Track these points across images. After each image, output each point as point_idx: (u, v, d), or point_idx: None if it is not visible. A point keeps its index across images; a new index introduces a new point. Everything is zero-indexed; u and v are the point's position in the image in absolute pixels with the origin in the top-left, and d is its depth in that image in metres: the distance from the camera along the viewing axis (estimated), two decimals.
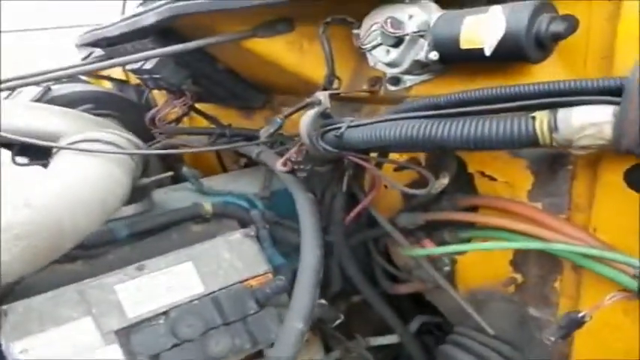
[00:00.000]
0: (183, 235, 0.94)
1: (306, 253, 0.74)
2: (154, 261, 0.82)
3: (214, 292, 0.81)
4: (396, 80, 0.78)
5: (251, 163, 1.27)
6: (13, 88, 1.29)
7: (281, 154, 0.97)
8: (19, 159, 1.30)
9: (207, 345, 0.76)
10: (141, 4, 1.59)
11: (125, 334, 0.75)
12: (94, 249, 0.85)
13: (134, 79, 1.73)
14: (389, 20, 0.68)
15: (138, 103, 1.56)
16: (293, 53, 0.88)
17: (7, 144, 1.22)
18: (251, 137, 1.14)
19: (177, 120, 1.19)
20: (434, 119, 0.60)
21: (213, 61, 1.02)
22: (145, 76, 1.05)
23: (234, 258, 0.86)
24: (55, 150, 0.88)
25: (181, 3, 0.82)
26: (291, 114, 0.87)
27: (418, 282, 0.86)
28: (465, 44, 0.60)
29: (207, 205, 0.96)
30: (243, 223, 0.98)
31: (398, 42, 0.68)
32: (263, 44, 0.87)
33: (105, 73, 1.77)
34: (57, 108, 1.18)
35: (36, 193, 0.68)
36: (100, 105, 1.45)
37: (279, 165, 0.84)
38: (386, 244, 0.94)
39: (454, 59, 0.64)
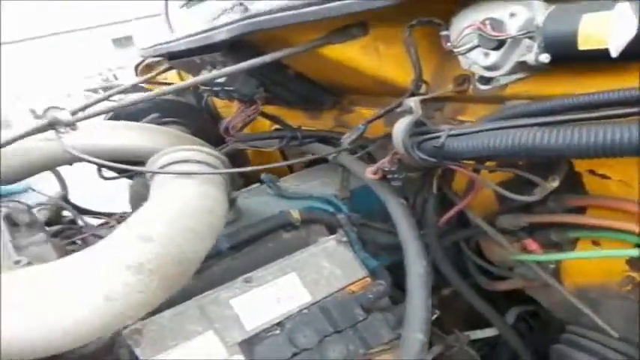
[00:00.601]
0: (276, 243, 0.98)
1: (413, 263, 0.75)
2: (260, 273, 0.86)
3: (320, 300, 0.85)
4: (487, 79, 0.75)
5: (317, 160, 1.29)
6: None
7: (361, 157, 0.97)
8: (106, 174, 1.37)
9: (325, 352, 0.80)
10: (185, 5, 1.58)
11: (247, 346, 0.80)
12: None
13: None
14: (488, 22, 0.64)
15: (199, 108, 1.59)
16: (369, 57, 0.86)
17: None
18: (322, 138, 1.14)
19: (244, 126, 1.20)
20: (550, 127, 0.58)
21: (284, 68, 1.01)
22: (217, 88, 1.06)
23: (333, 266, 0.88)
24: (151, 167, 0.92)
25: (256, 19, 0.81)
26: (373, 120, 0.86)
27: (519, 279, 0.86)
28: (583, 44, 0.56)
29: (295, 213, 0.98)
30: (331, 227, 1.01)
31: (499, 44, 0.65)
32: (337, 50, 0.85)
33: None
34: (138, 125, 1.23)
35: (153, 226, 0.71)
36: (165, 113, 1.49)
37: (369, 174, 0.84)
38: (477, 242, 0.94)
39: (569, 60, 0.60)
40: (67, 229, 1.17)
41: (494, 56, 0.66)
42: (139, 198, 1.45)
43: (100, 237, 1.03)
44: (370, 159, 0.98)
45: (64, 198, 1.25)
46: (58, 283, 0.58)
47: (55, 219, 1.25)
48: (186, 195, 0.78)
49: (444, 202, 0.91)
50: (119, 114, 1.37)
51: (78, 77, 18.26)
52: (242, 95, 1.03)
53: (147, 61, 1.78)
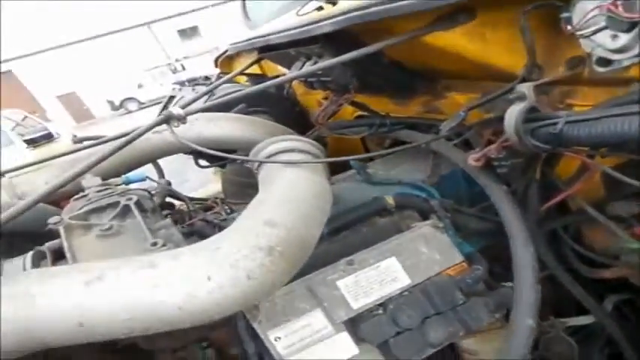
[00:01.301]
0: (371, 228, 1.01)
1: (520, 249, 0.75)
2: (360, 256, 0.90)
3: (420, 283, 0.87)
4: (607, 61, 0.70)
5: (395, 144, 1.29)
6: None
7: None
8: (202, 162, 1.48)
9: (426, 333, 0.83)
10: None
11: (352, 324, 0.85)
12: None
13: (271, 73, 1.81)
14: (620, 3, 0.60)
15: (282, 96, 1.64)
16: (474, 42, 0.84)
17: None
18: (411, 125, 1.14)
19: (334, 114, 1.23)
20: None
21: (380, 56, 1.01)
22: (312, 79, 1.09)
23: (431, 250, 0.90)
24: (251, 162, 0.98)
25: (363, 12, 0.81)
26: (476, 106, 0.85)
27: (625, 267, 0.82)
28: None
29: (390, 199, 1.00)
30: (423, 213, 1.02)
31: (630, 26, 0.61)
32: (441, 37, 0.84)
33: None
34: (234, 116, 1.30)
35: (276, 213, 0.77)
36: (251, 103, 1.56)
37: (472, 161, 0.84)
38: (577, 229, 0.91)
39: None
40: (174, 214, 1.28)
41: (623, 39, 0.63)
42: (231, 184, 1.55)
43: (207, 221, 1.13)
44: (465, 145, 0.97)
45: (169, 185, 1.37)
46: (207, 262, 0.65)
47: (162, 205, 1.37)
48: (299, 183, 0.82)
49: (543, 188, 0.89)
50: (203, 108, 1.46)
51: (147, 69, 19.45)
52: (337, 85, 1.05)
53: (227, 53, 1.86)
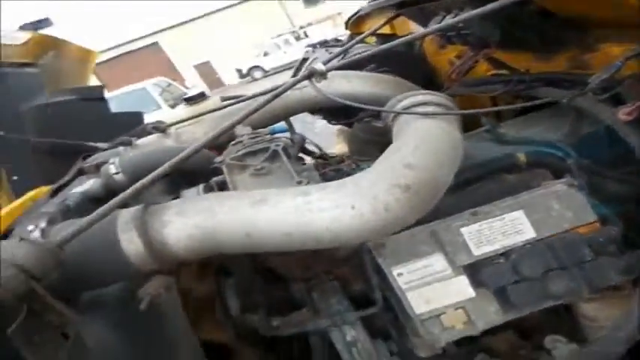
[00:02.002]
0: (499, 184, 1.07)
1: None
2: (486, 208, 0.98)
3: (546, 238, 0.92)
4: None
5: (531, 108, 1.27)
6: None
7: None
8: (332, 120, 1.67)
9: (547, 284, 0.89)
10: None
11: (471, 270, 0.96)
12: None
13: (401, 33, 1.90)
14: None
15: (412, 56, 1.72)
16: None
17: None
18: (551, 81, 1.13)
19: (469, 71, 1.27)
20: None
21: (527, 4, 1.00)
22: (451, 33, 1.15)
23: (562, 207, 0.94)
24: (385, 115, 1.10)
25: None
26: (636, 56, 0.83)
27: None
28: None
29: (522, 156, 1.05)
30: (557, 173, 1.04)
31: None
32: None
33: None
34: (368, 74, 1.45)
35: (413, 156, 0.89)
36: (381, 62, 1.68)
37: (622, 115, 0.84)
38: None
39: None
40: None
41: None
42: (358, 141, 1.72)
43: (338, 170, 1.32)
44: (614, 102, 0.95)
45: (303, 138, 1.59)
46: (351, 193, 0.81)
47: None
48: (434, 131, 0.93)
49: None
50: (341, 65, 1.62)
51: (272, 37, 20.80)
52: (477, 39, 1.09)
53: (360, 14, 1.99)
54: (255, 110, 1.12)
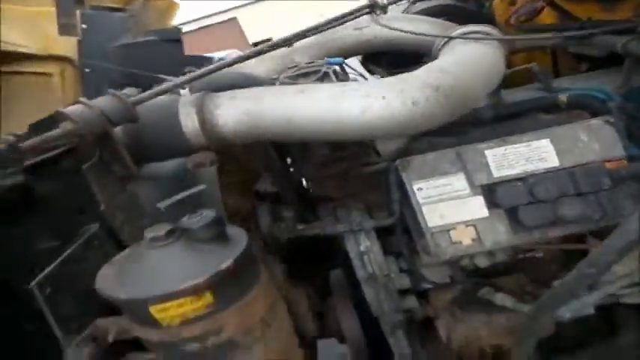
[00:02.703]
0: (534, 121, 1.14)
1: None
2: (515, 137, 1.06)
3: (569, 167, 0.99)
4: None
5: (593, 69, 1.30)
6: None
7: None
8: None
9: (559, 208, 0.96)
10: None
11: (489, 189, 1.05)
12: (463, 126, 1.16)
13: None
14: None
15: (480, 13, 1.79)
16: None
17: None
18: (614, 30, 1.16)
19: (528, 19, 1.33)
20: None
21: None
22: None
23: (591, 140, 1.00)
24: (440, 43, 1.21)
25: None
26: None
27: None
28: None
29: (564, 97, 1.11)
30: (597, 114, 1.08)
31: None
32: None
33: None
34: (429, 19, 1.55)
35: (449, 64, 1.00)
36: (449, 18, 1.76)
37: None
38: None
39: None
40: None
41: None
42: None
43: None
44: None
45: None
46: (383, 87, 0.94)
47: None
48: (476, 50, 1.03)
49: None
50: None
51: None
52: None
53: None
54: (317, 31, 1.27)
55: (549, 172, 1.00)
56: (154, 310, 0.75)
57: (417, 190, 1.11)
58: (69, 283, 0.98)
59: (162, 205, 0.94)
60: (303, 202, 1.51)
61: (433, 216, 1.09)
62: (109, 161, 1.06)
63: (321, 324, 1.41)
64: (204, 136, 1.07)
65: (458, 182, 1.09)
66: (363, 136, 0.99)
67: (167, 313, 0.75)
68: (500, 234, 1.04)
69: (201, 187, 1.00)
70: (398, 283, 1.23)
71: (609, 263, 0.79)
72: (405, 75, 0.97)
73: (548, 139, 1.02)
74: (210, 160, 1.19)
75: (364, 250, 1.22)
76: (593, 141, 1.00)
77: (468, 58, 0.99)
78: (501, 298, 1.19)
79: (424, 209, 1.09)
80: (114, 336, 0.92)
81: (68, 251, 1.03)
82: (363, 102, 0.94)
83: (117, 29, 2.68)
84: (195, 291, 0.74)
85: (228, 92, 1.11)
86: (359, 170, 1.28)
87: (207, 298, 0.76)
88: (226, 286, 0.77)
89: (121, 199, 1.09)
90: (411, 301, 1.26)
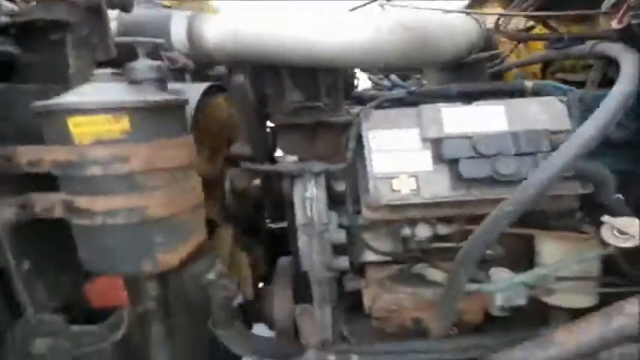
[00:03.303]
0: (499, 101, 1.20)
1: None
2: (474, 102, 1.12)
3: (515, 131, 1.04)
4: None
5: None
6: None
7: None
8: None
9: (497, 163, 1.00)
10: None
11: (437, 143, 1.09)
12: (431, 99, 1.22)
13: None
14: None
15: None
16: None
17: None
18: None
19: None
20: None
21: None
22: None
23: (541, 111, 1.06)
24: None
25: None
26: None
27: None
28: None
29: (529, 83, 1.18)
30: None
31: None
32: None
33: None
34: None
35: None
36: None
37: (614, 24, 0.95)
38: None
39: None
40: None
41: None
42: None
43: None
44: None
45: None
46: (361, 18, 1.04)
47: None
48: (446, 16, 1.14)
49: None
50: None
51: None
52: None
53: None
54: None
55: (496, 133, 1.04)
56: (71, 122, 0.80)
57: (372, 138, 1.16)
58: None
59: None
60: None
61: (380, 163, 1.13)
62: (94, 42, 1.14)
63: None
64: (189, 43, 1.17)
65: (411, 136, 1.14)
66: (332, 60, 1.07)
67: (82, 128, 0.80)
68: (440, 187, 1.07)
69: None
70: (334, 236, 1.23)
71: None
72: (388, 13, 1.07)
73: (503, 106, 1.08)
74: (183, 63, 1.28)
75: (309, 197, 1.24)
76: (543, 112, 1.05)
77: (438, 15, 1.09)
78: (433, 273, 1.19)
79: (373, 155, 1.14)
80: (40, 210, 0.94)
81: None
82: (341, 30, 1.04)
83: None
84: (114, 112, 0.79)
85: (222, 14, 1.22)
86: (327, 124, 1.34)
87: (124, 124, 0.81)
88: (145, 122, 0.82)
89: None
90: (342, 261, 1.26)
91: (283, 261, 1.64)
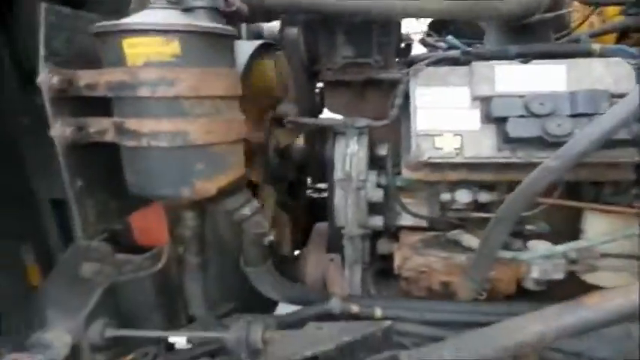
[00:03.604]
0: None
1: None
2: (534, 61, 1.08)
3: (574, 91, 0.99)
4: None
5: None
6: None
7: None
8: None
9: (549, 123, 0.96)
10: None
11: (487, 102, 1.06)
12: (486, 60, 1.18)
13: None
14: None
15: None
16: None
17: None
18: None
19: None
20: None
21: None
22: None
23: (606, 73, 1.00)
24: None
25: None
26: None
27: None
28: None
29: (596, 46, 1.11)
30: None
31: None
32: None
33: None
34: None
35: None
36: None
37: None
38: None
39: None
40: None
41: None
42: None
43: None
44: None
45: None
46: None
47: None
48: None
49: None
50: None
51: None
52: None
53: None
54: None
55: (551, 93, 1.00)
56: (125, 43, 0.85)
57: (420, 94, 1.15)
58: None
59: None
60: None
61: (425, 120, 1.12)
62: None
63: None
64: None
65: (460, 94, 1.12)
66: (393, 9, 1.06)
67: (135, 49, 0.85)
68: (484, 148, 1.05)
69: None
70: (371, 193, 1.24)
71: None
72: None
73: (565, 66, 1.03)
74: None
75: (350, 153, 1.26)
76: (608, 74, 0.99)
77: None
78: (468, 239, 1.17)
79: (419, 112, 1.13)
80: (94, 132, 1.00)
81: None
82: None
83: None
84: (166, 34, 0.84)
85: None
86: (376, 81, 1.33)
87: (175, 47, 0.85)
88: (195, 47, 0.86)
89: None
90: (377, 220, 1.27)
91: (320, 226, 1.67)
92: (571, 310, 0.75)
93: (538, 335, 0.75)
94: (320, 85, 1.65)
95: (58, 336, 1.12)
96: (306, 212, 2.00)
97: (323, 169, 1.43)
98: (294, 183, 1.93)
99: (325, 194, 1.80)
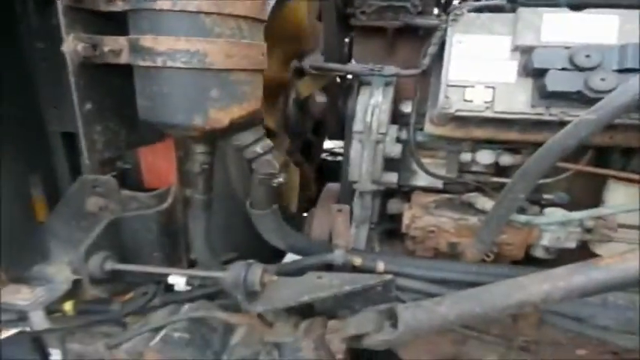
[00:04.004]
0: None
1: None
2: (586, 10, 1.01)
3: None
4: None
5: None
6: None
7: None
8: None
9: (592, 77, 0.90)
10: None
11: (528, 52, 1.00)
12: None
13: None
14: None
15: None
16: None
17: None
18: None
19: None
20: None
21: None
22: None
23: None
24: None
25: None
26: None
27: None
28: None
29: None
30: None
31: None
32: None
33: None
34: None
35: None
36: None
37: None
38: None
39: None
40: None
41: None
42: None
43: None
44: None
45: None
46: None
47: None
48: None
49: None
50: None
51: None
52: None
53: None
54: None
55: (600, 45, 0.94)
56: None
57: (456, 42, 1.10)
58: None
59: None
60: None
61: (458, 70, 1.08)
62: None
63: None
64: None
65: (500, 44, 1.07)
66: None
67: None
68: (517, 102, 1.01)
69: None
70: (389, 148, 1.20)
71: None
72: None
73: (618, 16, 0.96)
74: None
75: (373, 104, 1.21)
76: None
77: None
78: (483, 202, 1.13)
79: (453, 62, 1.08)
80: (108, 50, 0.98)
81: None
82: None
83: None
84: None
85: None
86: (411, 28, 1.27)
87: None
88: None
89: None
90: (391, 177, 1.23)
91: (331, 186, 1.64)
92: (581, 271, 0.71)
93: (543, 294, 0.72)
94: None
95: (59, 269, 1.13)
96: (319, 176, 1.98)
97: (341, 125, 1.40)
98: (310, 143, 1.90)
99: (340, 158, 1.76)
